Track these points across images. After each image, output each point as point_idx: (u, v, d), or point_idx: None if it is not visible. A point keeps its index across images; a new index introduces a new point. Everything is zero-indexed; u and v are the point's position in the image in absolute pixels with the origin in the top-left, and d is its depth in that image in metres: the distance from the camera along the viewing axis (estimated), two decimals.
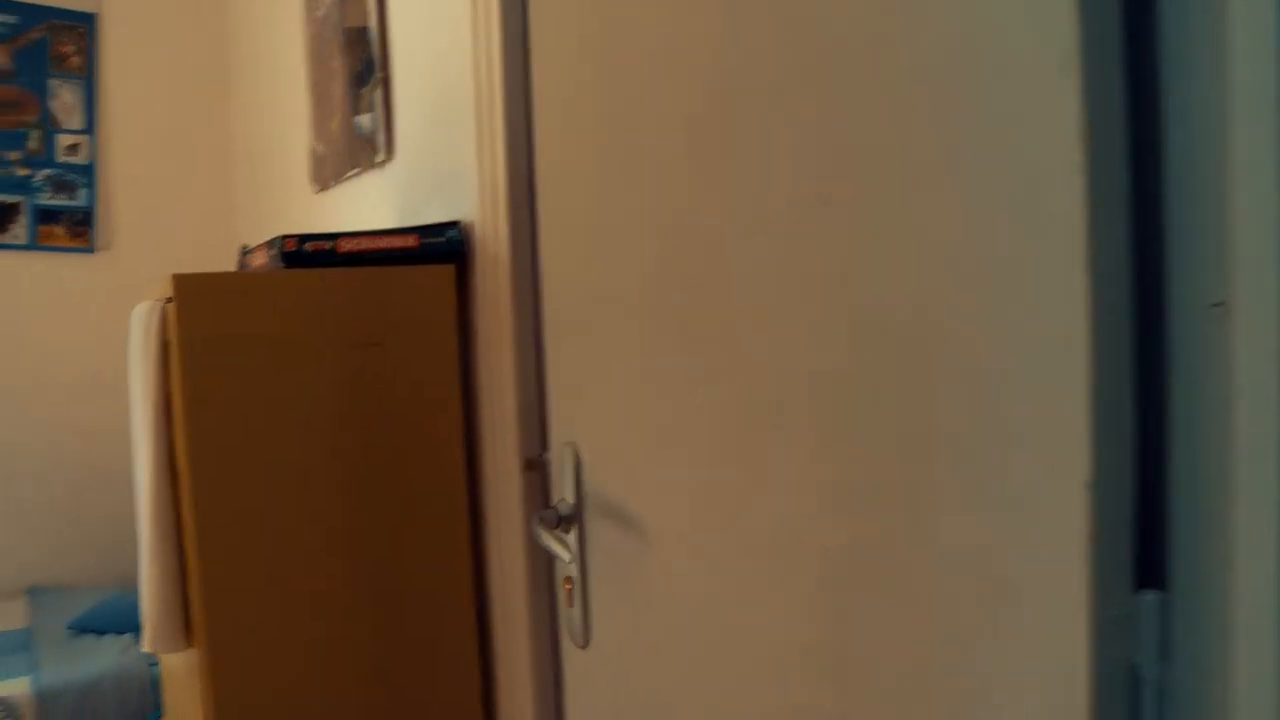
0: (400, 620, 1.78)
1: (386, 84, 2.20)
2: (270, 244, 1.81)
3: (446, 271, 1.80)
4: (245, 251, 2.05)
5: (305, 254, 1.79)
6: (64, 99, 3.67)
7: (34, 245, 3.67)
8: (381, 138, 2.24)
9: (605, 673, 1.28)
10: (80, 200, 3.72)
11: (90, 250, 3.76)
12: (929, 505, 0.73)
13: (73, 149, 3.69)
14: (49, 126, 3.66)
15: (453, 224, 1.83)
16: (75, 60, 3.68)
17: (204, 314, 1.67)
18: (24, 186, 3.63)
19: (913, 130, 0.73)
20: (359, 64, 2.35)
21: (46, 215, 3.67)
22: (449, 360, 1.80)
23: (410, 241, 1.83)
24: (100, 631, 3.08)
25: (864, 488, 0.79)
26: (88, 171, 3.72)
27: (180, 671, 2.03)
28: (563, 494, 1.30)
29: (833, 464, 0.83)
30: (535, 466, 1.62)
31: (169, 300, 1.68)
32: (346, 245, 1.81)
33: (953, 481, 0.71)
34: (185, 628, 1.79)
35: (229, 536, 1.69)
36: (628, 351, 1.16)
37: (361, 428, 1.76)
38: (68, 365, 3.72)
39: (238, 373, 1.69)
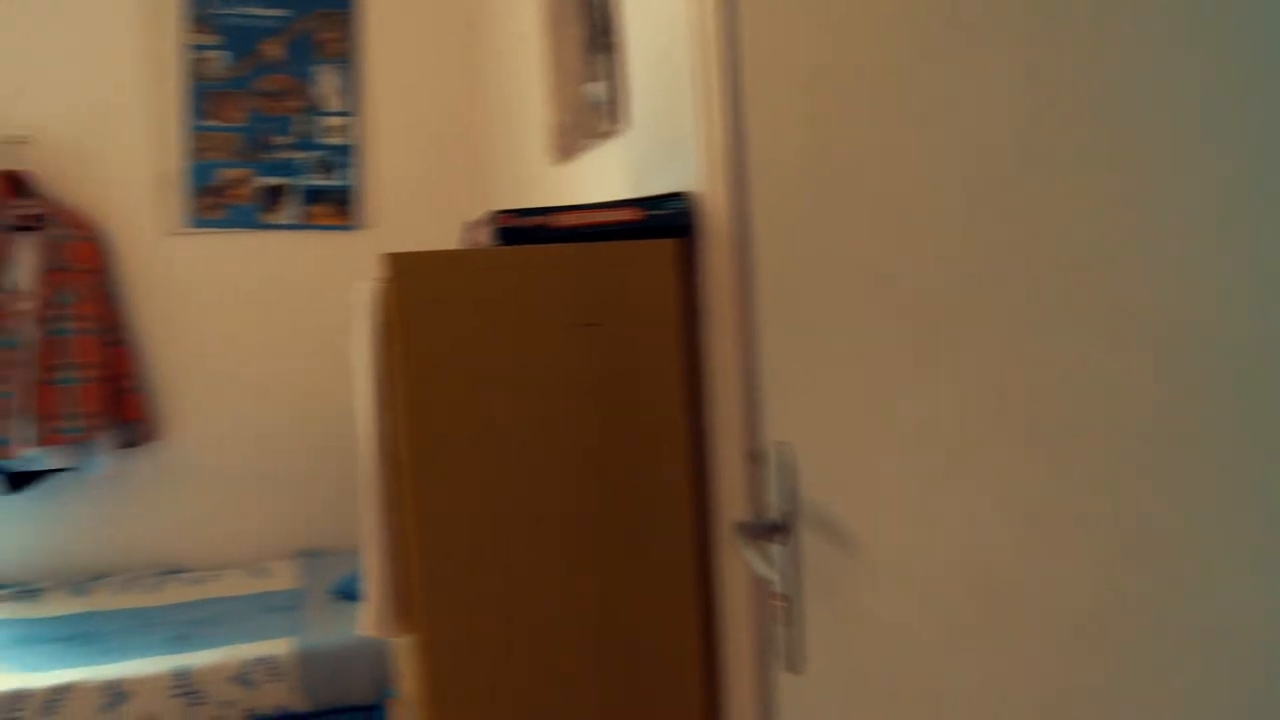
0: (622, 613, 1.69)
1: (617, 49, 2.11)
2: (487, 220, 1.75)
3: (667, 246, 1.69)
4: (469, 227, 2.00)
5: (521, 230, 1.72)
6: (327, 83, 3.79)
7: (301, 225, 3.82)
8: (614, 106, 2.15)
9: (819, 702, 1.14)
10: (342, 180, 3.84)
11: (353, 228, 3.87)
12: (1204, 555, 0.55)
13: (335, 131, 3.82)
14: (314, 111, 3.79)
15: (676, 195, 1.72)
16: (337, 46, 3.79)
17: (419, 293, 1.63)
18: (292, 169, 3.78)
19: (1177, 73, 0.55)
20: (590, 30, 2.27)
21: (312, 195, 3.82)
22: (672, 341, 1.69)
23: (632, 215, 1.73)
24: (359, 598, 3.18)
25: (1127, 524, 0.62)
26: (349, 152, 3.83)
27: (406, 652, 2.02)
28: (771, 500, 1.16)
29: (1088, 493, 0.66)
30: (757, 460, 1.48)
31: (386, 279, 1.64)
32: (564, 220, 1.72)
33: (1241, 525, 0.53)
34: (405, 612, 1.76)
35: (447, 522, 1.66)
36: (851, 343, 1.01)
37: (582, 411, 1.67)
38: (336, 338, 3.86)
39: (454, 353, 1.64)
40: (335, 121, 3.83)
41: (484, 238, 1.80)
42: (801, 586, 1.14)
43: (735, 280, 1.51)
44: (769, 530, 1.14)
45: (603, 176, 2.34)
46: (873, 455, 0.98)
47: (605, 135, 2.26)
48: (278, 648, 2.79)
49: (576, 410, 1.67)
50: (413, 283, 1.63)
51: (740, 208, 1.51)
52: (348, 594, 3.20)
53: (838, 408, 1.05)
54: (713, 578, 1.71)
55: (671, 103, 1.80)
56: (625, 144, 2.14)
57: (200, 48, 3.67)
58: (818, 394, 1.10)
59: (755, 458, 1.48)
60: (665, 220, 1.72)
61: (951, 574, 0.85)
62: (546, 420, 1.67)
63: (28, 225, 3.40)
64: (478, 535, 1.67)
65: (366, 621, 1.78)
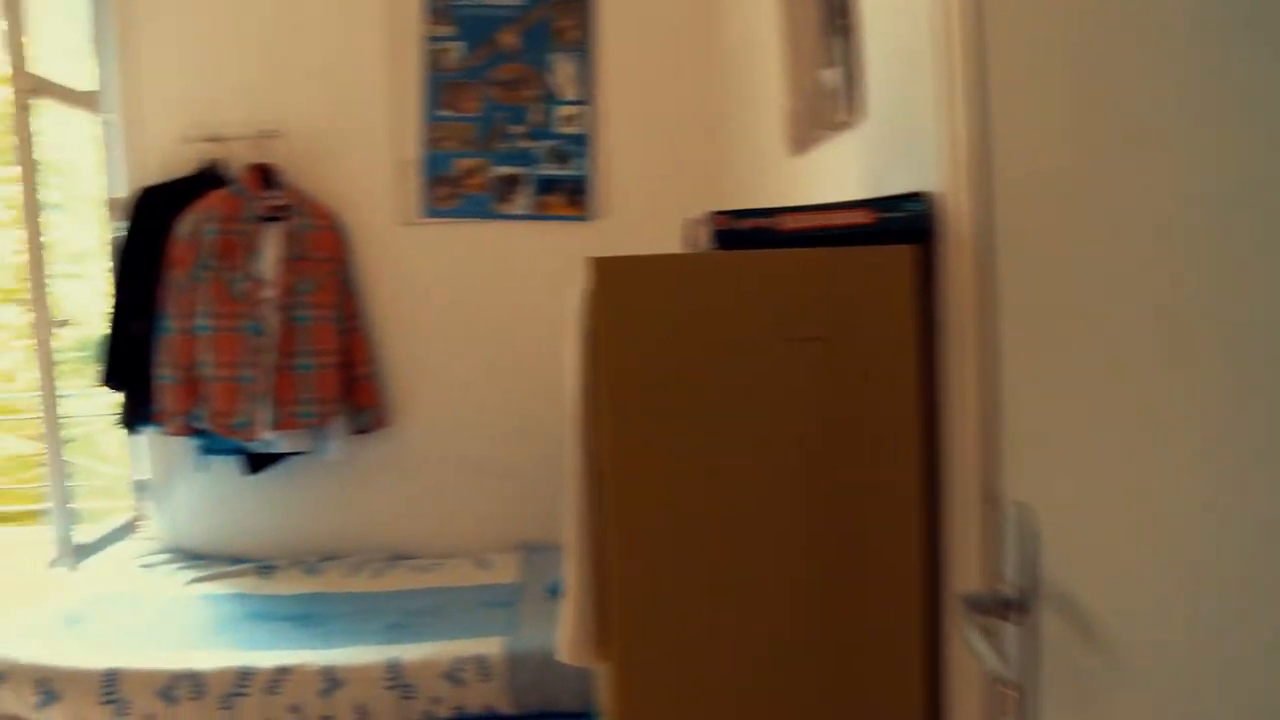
0: (835, 667, 1.52)
1: (854, 32, 1.92)
2: (705, 220, 1.61)
3: (903, 253, 1.50)
4: (690, 226, 1.87)
5: (741, 233, 1.56)
6: (562, 72, 3.74)
7: (534, 215, 3.78)
8: (850, 94, 1.97)
9: None
10: (577, 170, 3.78)
11: (586, 218, 3.81)
12: None
13: (569, 120, 3.76)
14: (549, 99, 3.75)
15: (914, 196, 1.53)
16: (573, 34, 3.73)
17: (624, 300, 1.51)
18: (526, 158, 3.75)
19: None
20: (827, 11, 2.09)
21: (546, 185, 3.78)
22: (905, 363, 1.50)
23: (864, 217, 1.55)
24: None
25: None
26: (582, 141, 3.77)
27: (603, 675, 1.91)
28: (1007, 571, 0.97)
29: None
30: (994, 502, 1.28)
31: (591, 285, 1.53)
32: (787, 223, 1.56)
33: None
34: (603, 638, 1.64)
35: (650, 547, 1.54)
36: (1115, 390, 0.81)
37: (799, 435, 1.51)
38: (565, 331, 3.81)
39: (661, 366, 1.51)
40: (570, 110, 3.77)
41: (702, 239, 1.66)
42: (1038, 678, 0.94)
43: (978, 298, 1.31)
44: (1001, 606, 0.95)
45: (838, 171, 2.16)
46: (1135, 533, 0.79)
47: (841, 126, 2.08)
48: (489, 646, 2.75)
49: (793, 433, 1.51)
50: (617, 289, 1.51)
51: (984, 213, 1.31)
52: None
53: (1093, 468, 0.85)
54: (940, 644, 1.51)
55: (910, 91, 1.61)
56: (861, 136, 1.96)
57: (437, 39, 3.69)
58: (1069, 448, 0.90)
59: (991, 516, 1.28)
60: (901, 224, 1.53)
61: (1224, 695, 0.65)
62: (760, 443, 1.51)
63: (274, 216, 3.49)
64: (682, 565, 1.54)
65: (562, 645, 1.68)
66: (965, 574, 1.33)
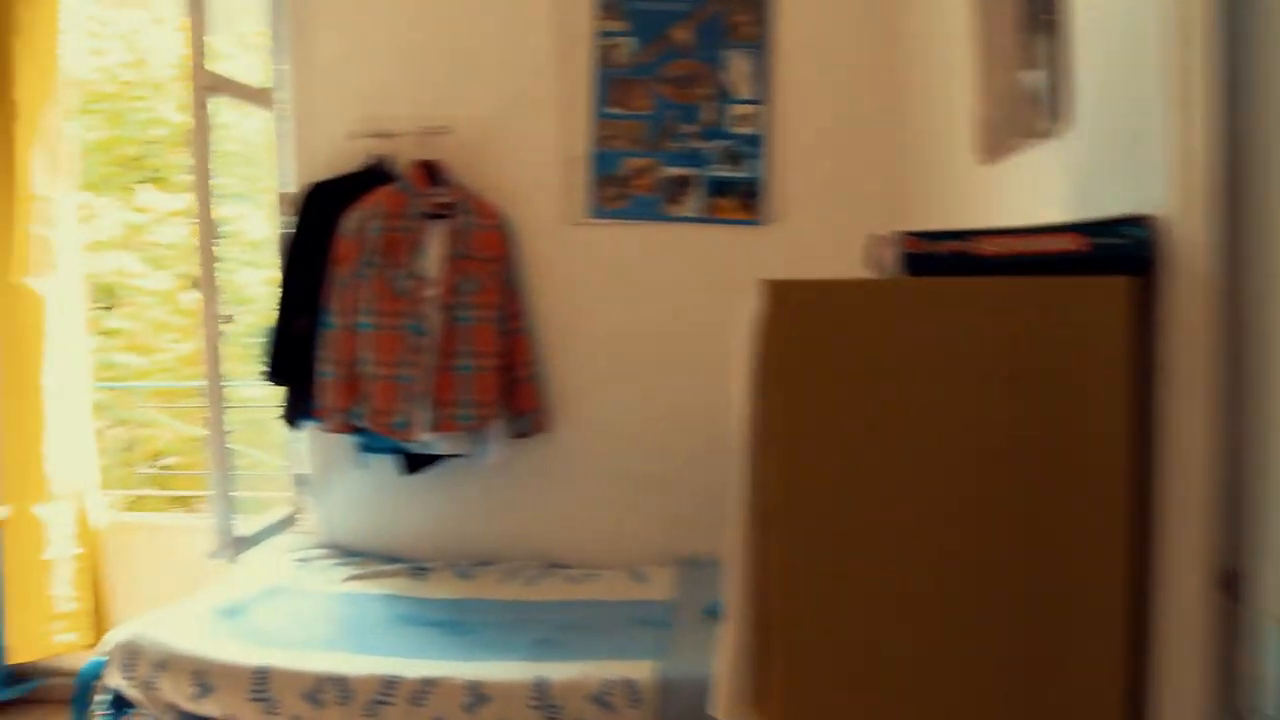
0: None
1: (1060, 29, 1.73)
2: (893, 240, 1.45)
3: (1118, 286, 1.31)
4: (873, 244, 1.71)
5: (936, 257, 1.40)
6: (737, 69, 3.60)
7: (705, 218, 3.66)
8: (1054, 99, 1.78)
9: None
10: (750, 172, 3.64)
11: (759, 223, 3.66)
12: None
13: (743, 119, 3.62)
14: (722, 98, 3.61)
15: (1134, 220, 1.34)
16: (749, 29, 3.59)
17: (802, 328, 1.38)
18: (697, 159, 3.63)
19: None
20: (1028, 6, 1.90)
21: (717, 187, 3.65)
22: (1117, 410, 1.31)
23: (1074, 243, 1.37)
24: None
25: None
26: (757, 142, 3.63)
27: None
28: (1265, 687, 0.80)
29: None
30: (1234, 588, 1.09)
31: (765, 310, 1.40)
32: (986, 246, 1.39)
33: None
34: (762, 694, 1.51)
35: (819, 601, 1.41)
36: None
37: (990, 485, 1.34)
38: (735, 339, 3.67)
39: (839, 399, 1.38)
40: (744, 109, 3.62)
41: (889, 261, 1.50)
42: None
43: (1213, 342, 1.13)
44: None
45: (1036, 185, 1.96)
46: None
47: (1041, 134, 1.89)
48: (640, 670, 2.63)
49: (984, 484, 1.34)
50: (793, 315, 1.38)
51: (1225, 241, 1.13)
52: (721, 615, 3.02)
53: None
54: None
55: (1130, 95, 1.42)
56: (1066, 146, 1.76)
57: (608, 34, 3.59)
58: None
59: (1233, 579, 1.09)
60: (1117, 252, 1.33)
61: None
62: (945, 494, 1.35)
63: (439, 213, 3.46)
64: (854, 623, 1.39)
65: (717, 700, 1.55)
66: (1181, 677, 1.14)
